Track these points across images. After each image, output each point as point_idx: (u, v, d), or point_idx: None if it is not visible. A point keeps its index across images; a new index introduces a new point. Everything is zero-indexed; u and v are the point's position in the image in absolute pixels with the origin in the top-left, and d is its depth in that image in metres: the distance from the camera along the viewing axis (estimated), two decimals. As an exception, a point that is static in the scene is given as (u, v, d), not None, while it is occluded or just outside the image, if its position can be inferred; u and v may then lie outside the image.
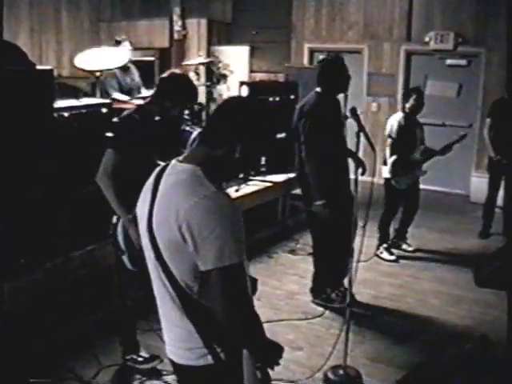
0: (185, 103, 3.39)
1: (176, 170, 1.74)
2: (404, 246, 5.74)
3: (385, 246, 5.52)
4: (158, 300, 1.83)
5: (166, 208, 1.69)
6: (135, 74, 5.99)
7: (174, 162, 1.79)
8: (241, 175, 5.42)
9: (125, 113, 3.27)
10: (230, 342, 1.74)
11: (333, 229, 4.17)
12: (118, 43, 5.89)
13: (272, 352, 1.82)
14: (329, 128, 4.12)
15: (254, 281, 1.98)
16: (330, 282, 4.44)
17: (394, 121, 5.35)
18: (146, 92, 5.84)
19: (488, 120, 6.13)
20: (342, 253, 4.03)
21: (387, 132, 5.36)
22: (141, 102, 5.44)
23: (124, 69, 5.83)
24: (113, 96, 5.57)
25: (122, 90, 5.73)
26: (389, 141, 5.33)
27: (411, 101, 5.31)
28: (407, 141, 5.32)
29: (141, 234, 1.83)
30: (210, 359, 1.73)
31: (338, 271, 4.31)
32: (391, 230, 5.64)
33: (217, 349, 1.73)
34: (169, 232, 1.66)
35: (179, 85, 3.23)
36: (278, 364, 1.84)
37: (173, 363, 1.87)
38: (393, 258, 5.45)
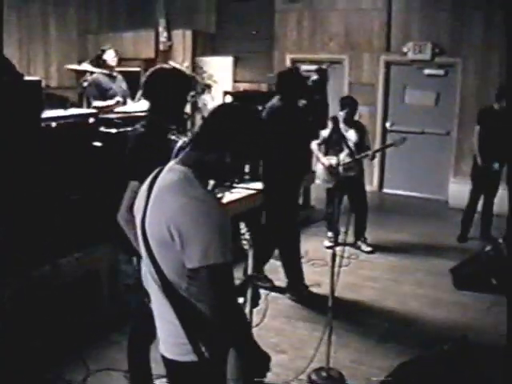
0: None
1: (171, 171, 1.79)
2: (362, 247, 5.95)
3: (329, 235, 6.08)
4: (151, 295, 1.88)
5: (157, 207, 1.74)
6: (123, 83, 6.05)
7: (171, 163, 1.83)
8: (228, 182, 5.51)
9: (134, 132, 2.97)
10: (214, 340, 1.77)
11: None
12: (102, 52, 5.97)
13: (258, 358, 1.84)
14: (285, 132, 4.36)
15: (257, 295, 2.03)
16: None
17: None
18: (130, 103, 5.87)
19: (477, 128, 6.14)
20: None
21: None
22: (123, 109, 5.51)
23: (111, 76, 5.90)
24: (93, 105, 5.61)
25: (105, 97, 5.76)
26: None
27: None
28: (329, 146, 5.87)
29: (137, 231, 1.86)
30: (195, 356, 1.77)
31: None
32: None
33: (201, 347, 1.76)
34: (158, 230, 1.71)
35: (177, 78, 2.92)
36: (264, 375, 1.87)
37: (163, 358, 1.91)
38: (329, 244, 5.88)
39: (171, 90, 2.85)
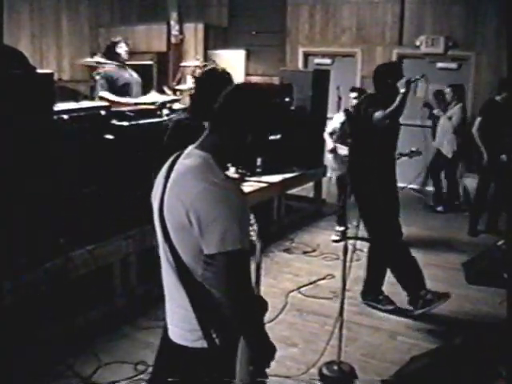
0: None
1: (190, 156, 1.78)
2: None
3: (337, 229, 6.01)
4: (164, 280, 1.88)
5: (176, 192, 1.73)
6: (133, 72, 6.07)
7: (190, 148, 1.82)
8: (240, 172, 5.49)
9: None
10: (226, 328, 1.76)
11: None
12: (114, 44, 5.98)
13: (266, 349, 1.83)
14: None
15: (264, 303, 2.02)
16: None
17: None
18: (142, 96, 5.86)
19: (479, 119, 6.20)
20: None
21: None
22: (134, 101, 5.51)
23: (123, 67, 5.92)
24: (99, 95, 5.59)
25: (115, 88, 5.76)
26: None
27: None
28: (341, 138, 5.86)
29: (154, 215, 1.86)
30: (205, 343, 1.77)
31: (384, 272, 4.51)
32: None
33: (212, 334, 1.76)
34: (177, 215, 1.70)
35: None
36: (268, 365, 1.86)
37: (171, 343, 1.89)
38: (335, 238, 5.91)
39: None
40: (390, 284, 4.60)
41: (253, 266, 1.86)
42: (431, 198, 7.55)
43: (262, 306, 1.92)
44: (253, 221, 2.13)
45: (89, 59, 6.06)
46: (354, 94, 5.87)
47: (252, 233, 2.11)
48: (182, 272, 1.75)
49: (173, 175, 1.78)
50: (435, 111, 7.26)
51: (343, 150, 5.75)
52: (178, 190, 1.73)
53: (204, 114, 2.95)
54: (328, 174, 6.44)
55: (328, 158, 6.22)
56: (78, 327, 3.74)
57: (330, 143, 6.07)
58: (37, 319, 3.53)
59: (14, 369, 3.20)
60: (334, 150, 6.02)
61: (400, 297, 4.64)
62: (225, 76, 3.16)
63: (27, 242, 3.48)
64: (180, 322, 1.85)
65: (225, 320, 1.74)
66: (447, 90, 7.11)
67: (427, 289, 4.38)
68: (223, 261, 1.64)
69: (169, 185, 1.78)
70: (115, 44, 5.92)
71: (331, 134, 6.04)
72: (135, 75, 6.06)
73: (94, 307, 3.95)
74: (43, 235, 3.57)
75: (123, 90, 5.70)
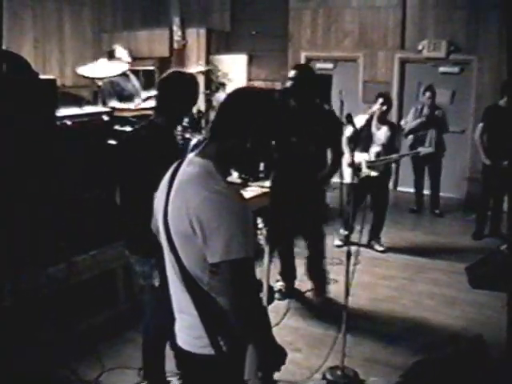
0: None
1: (191, 164, 1.77)
2: (375, 246, 5.91)
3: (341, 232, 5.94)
4: (170, 287, 1.88)
5: (179, 200, 1.73)
6: (136, 82, 6.10)
7: (191, 155, 1.81)
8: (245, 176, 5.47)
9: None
10: (233, 335, 1.75)
11: None
12: (113, 52, 6.03)
13: (276, 354, 1.82)
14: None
15: (273, 291, 2.02)
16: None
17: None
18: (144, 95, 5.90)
19: (480, 125, 6.21)
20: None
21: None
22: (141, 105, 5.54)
23: (125, 76, 5.95)
24: (110, 105, 5.65)
25: (121, 96, 5.80)
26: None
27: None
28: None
29: (158, 224, 1.86)
30: (212, 350, 1.76)
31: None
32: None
33: (220, 341, 1.75)
34: (180, 223, 1.70)
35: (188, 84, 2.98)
36: (279, 369, 1.85)
37: (179, 349, 1.90)
38: (339, 243, 5.86)
39: (181, 93, 2.88)
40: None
41: (261, 269, 1.86)
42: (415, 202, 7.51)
43: (270, 294, 1.94)
44: (261, 225, 2.13)
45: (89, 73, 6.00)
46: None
47: (260, 236, 2.11)
48: (188, 280, 1.75)
49: (175, 184, 1.78)
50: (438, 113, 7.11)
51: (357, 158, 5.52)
52: (181, 199, 1.72)
53: (170, 115, 2.95)
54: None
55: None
56: (81, 332, 3.75)
57: (347, 155, 5.47)
58: (40, 323, 3.53)
59: (17, 374, 3.19)
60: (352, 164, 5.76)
61: (402, 300, 4.66)
62: (187, 78, 3.06)
63: (29, 247, 3.48)
64: (187, 328, 1.85)
65: (232, 327, 1.73)
66: (428, 94, 6.99)
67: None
68: (228, 270, 1.64)
69: (172, 193, 1.78)
70: (113, 51, 5.97)
71: (350, 139, 5.45)
72: (137, 85, 6.10)
73: (97, 312, 3.96)
74: (45, 240, 3.58)
75: (126, 99, 5.75)
